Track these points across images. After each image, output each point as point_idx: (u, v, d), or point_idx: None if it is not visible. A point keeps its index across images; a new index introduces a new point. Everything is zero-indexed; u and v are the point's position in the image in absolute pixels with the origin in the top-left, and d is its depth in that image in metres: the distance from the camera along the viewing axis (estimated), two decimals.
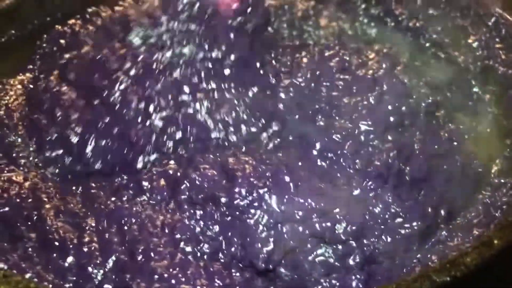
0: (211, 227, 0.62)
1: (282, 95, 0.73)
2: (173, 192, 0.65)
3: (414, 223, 0.62)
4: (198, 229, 0.62)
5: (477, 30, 0.83)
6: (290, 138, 0.69)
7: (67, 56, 0.80)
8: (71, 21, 0.89)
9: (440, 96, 0.76)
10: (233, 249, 0.61)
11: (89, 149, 0.70)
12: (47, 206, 0.66)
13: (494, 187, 0.65)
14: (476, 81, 0.79)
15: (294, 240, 0.60)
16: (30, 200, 0.66)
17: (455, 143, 0.70)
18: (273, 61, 0.78)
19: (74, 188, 0.70)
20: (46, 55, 0.86)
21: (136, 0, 0.92)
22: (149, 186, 0.66)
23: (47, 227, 0.63)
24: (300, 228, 0.61)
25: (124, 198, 0.67)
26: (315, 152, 0.68)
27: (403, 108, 0.72)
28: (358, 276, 0.59)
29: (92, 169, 0.71)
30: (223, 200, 0.62)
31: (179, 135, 0.68)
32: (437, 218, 0.63)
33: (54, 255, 0.62)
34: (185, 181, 0.64)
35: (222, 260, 0.61)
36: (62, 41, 0.86)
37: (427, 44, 0.86)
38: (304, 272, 0.60)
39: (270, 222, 0.61)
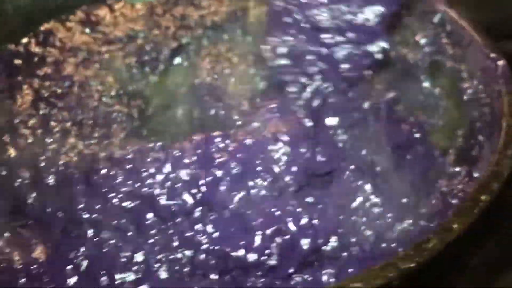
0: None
1: None
2: None
3: (390, 214, 0.64)
4: None
5: (423, 27, 0.86)
6: None
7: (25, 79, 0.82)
8: (25, 40, 0.89)
9: (395, 92, 0.79)
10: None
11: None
12: None
13: (450, 176, 0.68)
14: (425, 76, 0.82)
15: None
16: None
17: (416, 135, 0.74)
18: None
19: None
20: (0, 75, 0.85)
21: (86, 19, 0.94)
22: None
23: None
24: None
25: None
26: None
27: (365, 105, 0.75)
28: (329, 270, 0.60)
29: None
30: None
31: None
32: (408, 208, 0.65)
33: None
34: None
35: None
36: (17, 61, 0.86)
37: None
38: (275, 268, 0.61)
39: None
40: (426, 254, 0.48)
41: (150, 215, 0.63)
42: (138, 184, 0.64)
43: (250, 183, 0.64)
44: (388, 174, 0.68)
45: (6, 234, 0.65)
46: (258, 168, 0.65)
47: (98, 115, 0.76)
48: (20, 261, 0.62)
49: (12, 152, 0.72)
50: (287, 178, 0.65)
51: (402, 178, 0.68)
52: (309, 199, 0.64)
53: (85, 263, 0.61)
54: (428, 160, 0.70)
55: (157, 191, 0.64)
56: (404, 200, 0.66)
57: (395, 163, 0.69)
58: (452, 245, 0.50)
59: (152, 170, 0.65)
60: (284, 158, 0.66)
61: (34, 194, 0.67)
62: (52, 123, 0.75)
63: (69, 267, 0.61)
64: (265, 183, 0.64)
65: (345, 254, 0.62)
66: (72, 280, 0.60)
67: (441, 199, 0.64)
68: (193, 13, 0.95)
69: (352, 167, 0.68)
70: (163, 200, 0.63)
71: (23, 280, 0.60)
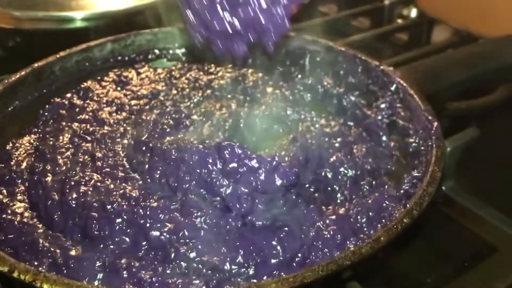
0: None
1: None
2: None
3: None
4: None
5: (383, 94, 1.09)
6: None
7: (68, 123, 1.03)
8: (68, 95, 1.12)
9: (362, 143, 1.01)
10: None
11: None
12: (41, 238, 0.78)
13: (392, 207, 0.86)
14: (383, 132, 1.03)
15: None
16: (29, 237, 0.78)
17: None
18: None
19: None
20: (48, 122, 1.06)
21: (118, 79, 1.15)
22: None
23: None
24: None
25: None
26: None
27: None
28: None
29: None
30: None
31: None
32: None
33: None
34: None
35: None
36: (62, 111, 1.07)
37: (349, 106, 1.11)
38: None
39: None
40: (357, 257, 0.69)
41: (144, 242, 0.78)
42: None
43: None
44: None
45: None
46: None
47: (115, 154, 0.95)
48: (60, 258, 0.76)
49: (49, 178, 0.89)
50: None
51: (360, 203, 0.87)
52: None
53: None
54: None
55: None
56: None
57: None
58: (379, 251, 0.71)
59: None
60: None
61: (59, 212, 0.83)
62: (80, 156, 0.93)
63: (98, 264, 0.75)
64: None
65: None
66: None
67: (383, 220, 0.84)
68: (203, 77, 1.18)
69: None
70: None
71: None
